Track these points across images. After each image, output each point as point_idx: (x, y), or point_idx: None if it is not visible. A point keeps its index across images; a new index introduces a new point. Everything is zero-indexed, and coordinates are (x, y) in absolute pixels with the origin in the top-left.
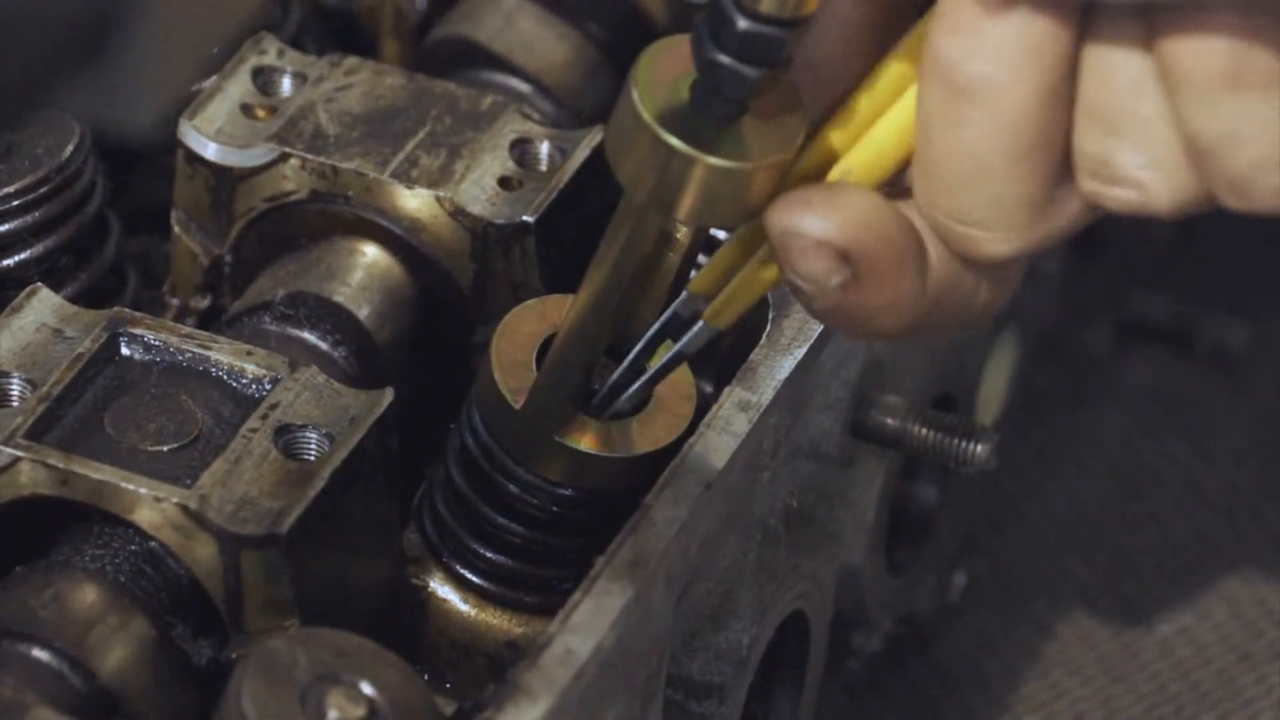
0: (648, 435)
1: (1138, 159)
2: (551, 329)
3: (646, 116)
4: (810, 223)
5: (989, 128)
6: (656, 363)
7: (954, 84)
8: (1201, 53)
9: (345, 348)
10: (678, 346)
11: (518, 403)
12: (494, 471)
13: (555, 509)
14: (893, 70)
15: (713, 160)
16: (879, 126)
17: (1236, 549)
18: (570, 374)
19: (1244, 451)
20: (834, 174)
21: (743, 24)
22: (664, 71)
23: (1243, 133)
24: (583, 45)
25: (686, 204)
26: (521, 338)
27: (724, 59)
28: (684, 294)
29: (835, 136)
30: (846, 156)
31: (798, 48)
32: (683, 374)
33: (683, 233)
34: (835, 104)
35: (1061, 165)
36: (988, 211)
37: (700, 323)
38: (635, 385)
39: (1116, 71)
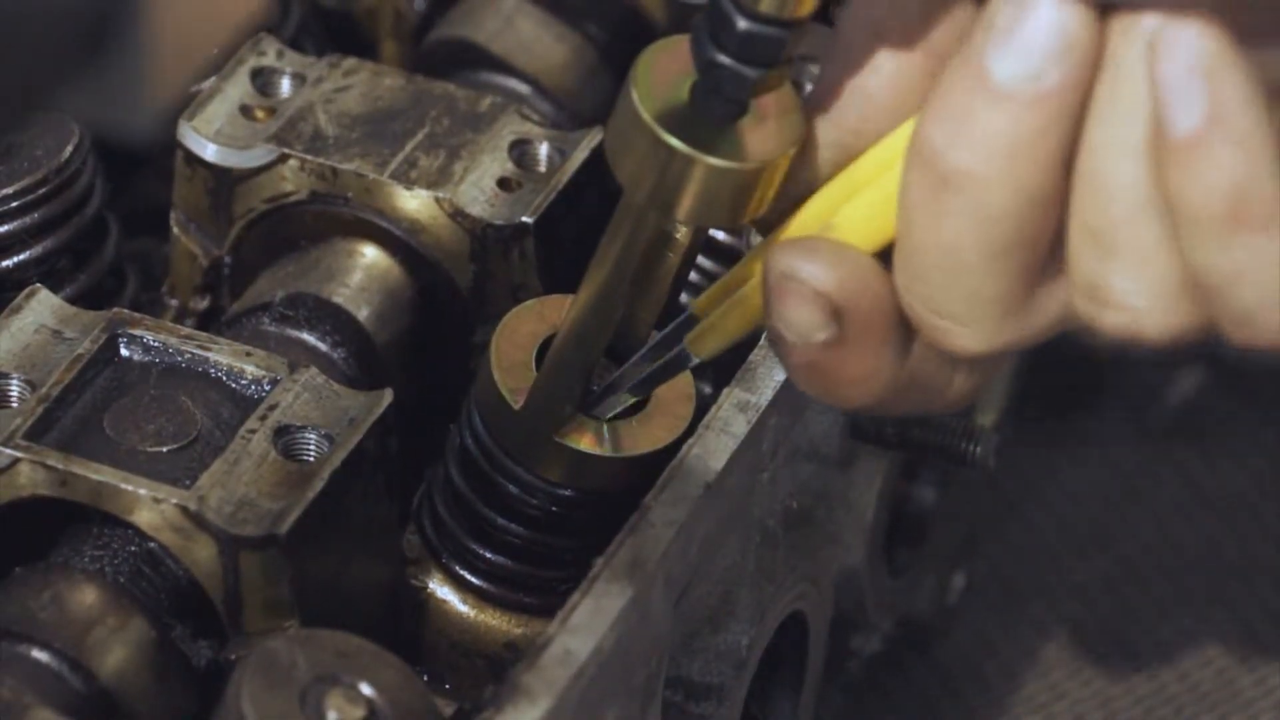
0: (647, 436)
1: (1134, 286)
2: (551, 329)
3: (646, 117)
4: (812, 270)
5: (967, 222)
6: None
7: (936, 171)
8: (1205, 189)
9: (344, 349)
10: (654, 367)
11: (517, 403)
12: (493, 472)
13: (555, 509)
14: (904, 134)
15: (712, 160)
16: (871, 191)
17: (1236, 550)
18: (570, 374)
19: (1244, 452)
20: (817, 226)
21: (742, 24)
22: (664, 72)
23: (1247, 272)
24: (582, 46)
25: (686, 204)
26: (521, 338)
27: (724, 59)
28: (686, 312)
29: (836, 189)
30: (837, 213)
31: (797, 48)
32: (682, 374)
33: (682, 233)
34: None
35: (1044, 267)
36: (960, 306)
37: (681, 345)
38: (616, 395)
39: (1116, 196)
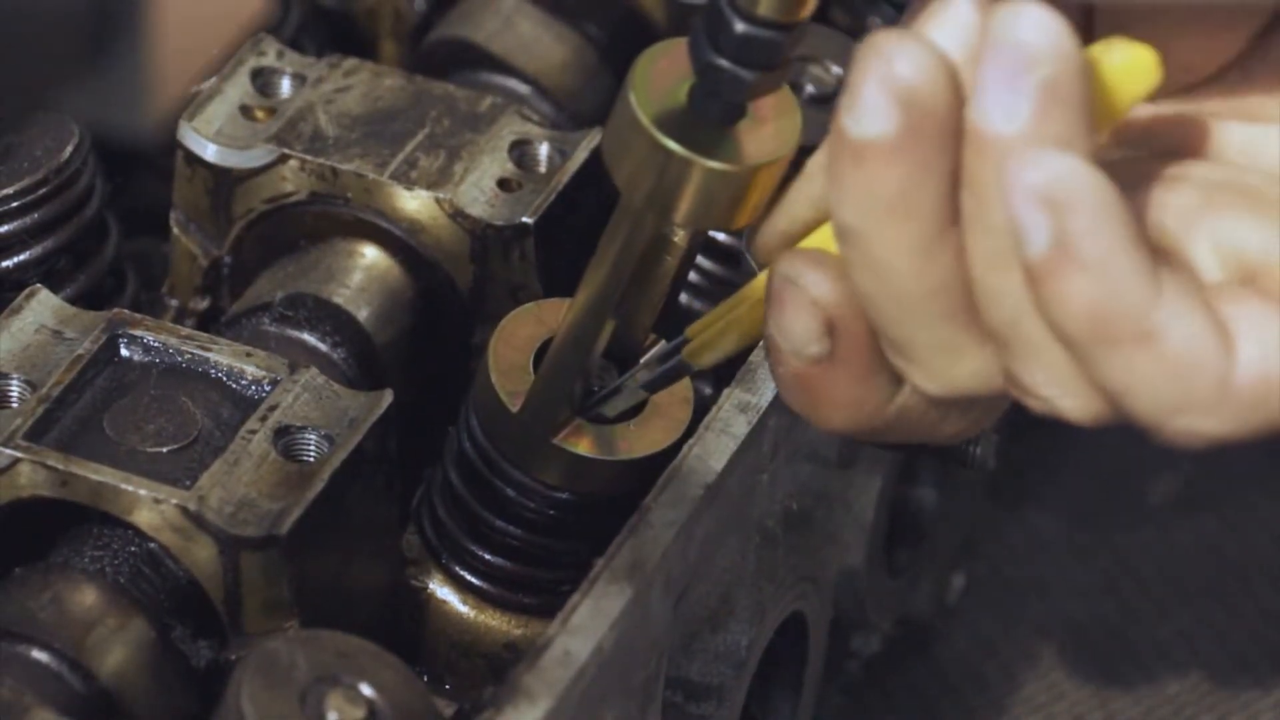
0: (645, 439)
1: (1041, 378)
2: (549, 333)
3: (644, 120)
4: (812, 279)
5: (869, 275)
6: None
7: (837, 228)
8: (1065, 312)
9: (344, 349)
10: (652, 375)
11: (515, 406)
12: (491, 475)
13: (553, 512)
14: None
15: (710, 163)
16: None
17: (1235, 551)
18: (567, 377)
19: (1242, 453)
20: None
21: (740, 27)
22: (661, 75)
23: (1134, 385)
24: (581, 47)
25: (684, 207)
26: (519, 341)
27: (721, 62)
28: (683, 335)
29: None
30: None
31: (795, 51)
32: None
33: (680, 236)
34: None
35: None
36: (905, 347)
37: (678, 357)
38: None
39: (1001, 302)
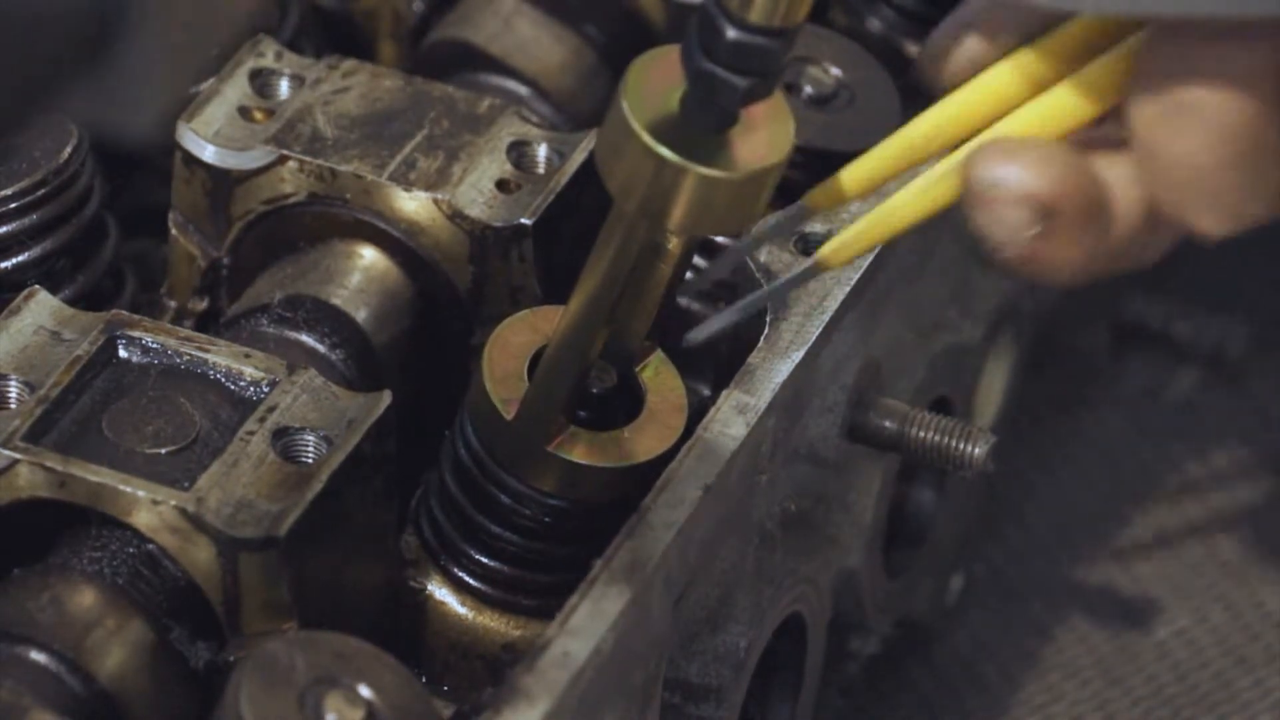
0: (640, 446)
1: None
2: (543, 340)
3: (637, 127)
4: (1015, 174)
5: (1201, 140)
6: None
7: (1169, 100)
8: None
9: (343, 350)
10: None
11: (509, 414)
12: (487, 482)
13: (548, 519)
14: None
15: (703, 170)
16: (1063, 89)
17: (1233, 551)
18: (562, 384)
19: (1241, 454)
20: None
21: (732, 34)
22: (654, 82)
23: None
24: (580, 48)
25: (677, 214)
26: (513, 349)
27: (714, 69)
28: (798, 203)
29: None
30: (1018, 111)
31: (788, 56)
32: (674, 385)
33: (674, 243)
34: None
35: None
36: (1209, 210)
37: (811, 260)
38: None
39: None
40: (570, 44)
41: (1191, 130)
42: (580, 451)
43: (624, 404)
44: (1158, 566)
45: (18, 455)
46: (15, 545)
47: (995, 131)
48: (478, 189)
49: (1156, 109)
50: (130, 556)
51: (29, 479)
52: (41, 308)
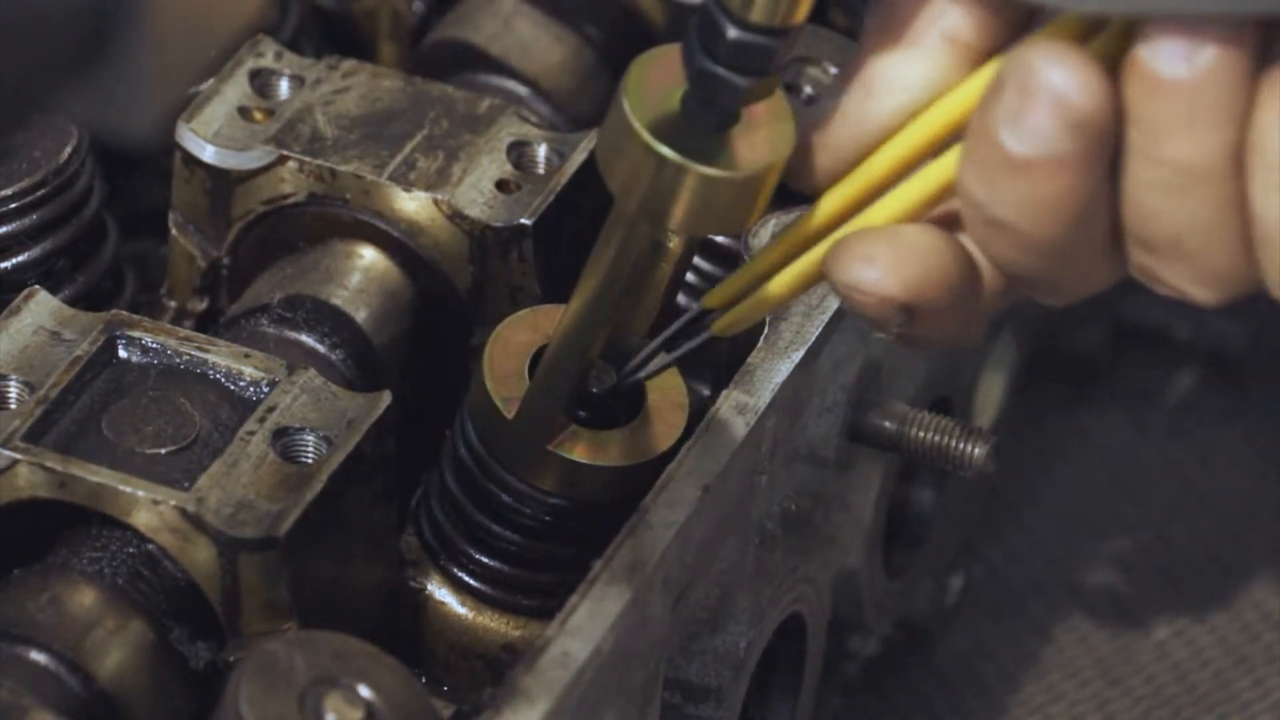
0: (640, 445)
1: (1186, 277)
2: (544, 339)
3: (637, 126)
4: (872, 277)
5: (1020, 253)
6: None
7: (982, 217)
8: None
9: (343, 350)
10: (674, 354)
11: (510, 413)
12: (487, 481)
13: (549, 518)
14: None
15: (704, 170)
16: (919, 180)
17: (1233, 552)
18: (562, 383)
19: (1241, 455)
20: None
21: (733, 33)
22: (655, 81)
23: None
24: (580, 48)
25: (678, 214)
26: (514, 348)
27: (714, 68)
28: (695, 307)
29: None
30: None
31: (788, 56)
32: (676, 384)
33: (675, 242)
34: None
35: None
36: (1050, 285)
37: (706, 332)
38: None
39: (1160, 217)
40: (570, 44)
41: (1008, 241)
42: (581, 450)
43: (624, 403)
44: (1157, 566)
45: (18, 455)
46: (15, 545)
47: (864, 218)
48: (478, 189)
49: (974, 218)
50: (130, 556)
51: (29, 479)
52: (41, 308)
